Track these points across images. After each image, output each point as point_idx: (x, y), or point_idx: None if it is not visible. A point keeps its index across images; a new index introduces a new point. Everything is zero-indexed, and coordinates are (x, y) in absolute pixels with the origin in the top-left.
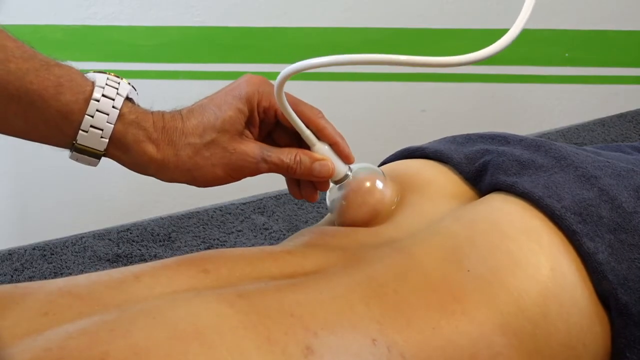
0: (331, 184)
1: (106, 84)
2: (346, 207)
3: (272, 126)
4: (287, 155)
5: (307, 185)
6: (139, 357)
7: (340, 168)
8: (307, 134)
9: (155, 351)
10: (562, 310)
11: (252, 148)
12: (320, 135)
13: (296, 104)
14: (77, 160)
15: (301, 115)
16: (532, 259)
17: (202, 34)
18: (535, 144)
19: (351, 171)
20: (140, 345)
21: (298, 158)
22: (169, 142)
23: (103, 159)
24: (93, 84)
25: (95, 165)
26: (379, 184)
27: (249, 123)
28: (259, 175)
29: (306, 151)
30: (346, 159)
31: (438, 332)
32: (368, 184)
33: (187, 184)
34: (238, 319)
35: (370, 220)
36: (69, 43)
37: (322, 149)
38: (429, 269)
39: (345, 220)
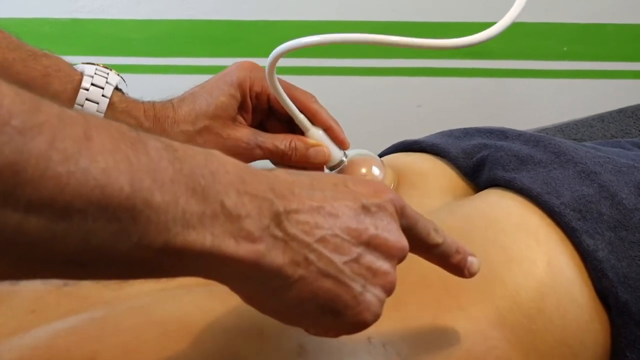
0: (326, 171)
1: (95, 74)
2: None
3: (264, 114)
4: (282, 141)
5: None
6: (128, 355)
7: (336, 153)
8: (301, 118)
9: (145, 350)
10: (559, 306)
11: (245, 134)
12: (314, 119)
13: (289, 89)
14: None
15: (294, 99)
16: (527, 253)
17: (192, 28)
18: (534, 138)
19: (346, 157)
20: (130, 344)
21: (293, 144)
22: (161, 131)
23: None
24: (81, 73)
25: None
26: (375, 170)
27: (241, 109)
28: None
29: (301, 137)
30: (341, 144)
31: (434, 329)
32: (364, 169)
33: None
34: (230, 316)
35: None
36: (56, 37)
37: (316, 134)
38: (424, 264)
39: None
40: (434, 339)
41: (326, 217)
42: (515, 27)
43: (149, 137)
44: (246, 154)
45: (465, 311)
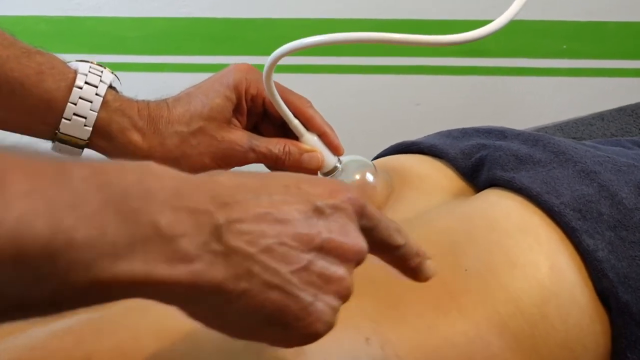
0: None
1: (89, 72)
2: None
3: (259, 117)
4: (276, 145)
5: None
6: (125, 356)
7: (330, 159)
8: (295, 123)
9: (143, 352)
10: (561, 310)
11: (240, 136)
12: (309, 125)
13: (285, 93)
14: (59, 151)
15: (289, 104)
16: (530, 257)
17: (189, 26)
18: (533, 138)
19: (341, 163)
20: (126, 343)
21: (287, 149)
22: (154, 131)
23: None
24: (75, 71)
25: (78, 156)
26: (370, 177)
27: (236, 111)
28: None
29: (295, 142)
30: (335, 150)
31: (433, 330)
32: (358, 176)
33: None
34: None
35: None
36: (52, 34)
37: (310, 140)
38: None
39: None
40: (433, 343)
41: (273, 224)
42: (514, 25)
43: (75, 165)
44: (240, 157)
45: (466, 315)
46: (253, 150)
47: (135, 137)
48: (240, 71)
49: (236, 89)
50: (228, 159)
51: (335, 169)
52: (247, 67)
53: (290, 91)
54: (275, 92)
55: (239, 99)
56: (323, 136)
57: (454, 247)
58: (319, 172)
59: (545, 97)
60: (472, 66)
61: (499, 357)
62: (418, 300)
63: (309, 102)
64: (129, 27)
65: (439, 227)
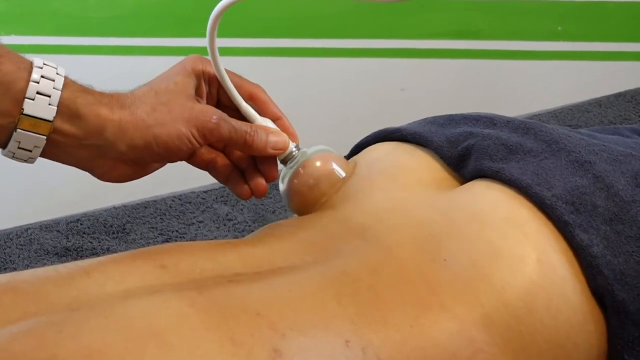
0: (282, 173)
1: (43, 61)
2: (297, 184)
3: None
4: (243, 124)
5: (254, 174)
6: (91, 358)
7: (290, 145)
8: (245, 107)
9: (109, 353)
10: (550, 306)
11: (210, 106)
12: (262, 109)
13: (236, 77)
14: (20, 143)
15: (240, 87)
16: (516, 249)
17: (160, 5)
18: (524, 126)
19: (298, 149)
20: (91, 347)
21: (254, 128)
22: (120, 106)
23: None
24: (31, 60)
25: (37, 153)
26: (333, 165)
27: (197, 93)
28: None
29: (259, 125)
30: (291, 136)
31: (416, 330)
32: (318, 162)
33: (148, 149)
34: (199, 318)
35: (319, 195)
36: (13, 15)
37: (264, 124)
38: (405, 261)
39: (296, 199)
40: (416, 343)
41: None
42: (505, 5)
43: None
44: (212, 125)
45: (450, 311)
46: (225, 120)
47: (104, 110)
48: (194, 58)
49: (194, 70)
50: (202, 125)
51: (291, 154)
52: (200, 55)
53: (242, 77)
54: (222, 68)
55: (198, 79)
56: (278, 121)
57: (434, 241)
58: (277, 158)
59: (539, 82)
60: (461, 49)
61: (485, 354)
62: (399, 298)
63: (261, 87)
64: (95, 8)
65: (417, 219)
